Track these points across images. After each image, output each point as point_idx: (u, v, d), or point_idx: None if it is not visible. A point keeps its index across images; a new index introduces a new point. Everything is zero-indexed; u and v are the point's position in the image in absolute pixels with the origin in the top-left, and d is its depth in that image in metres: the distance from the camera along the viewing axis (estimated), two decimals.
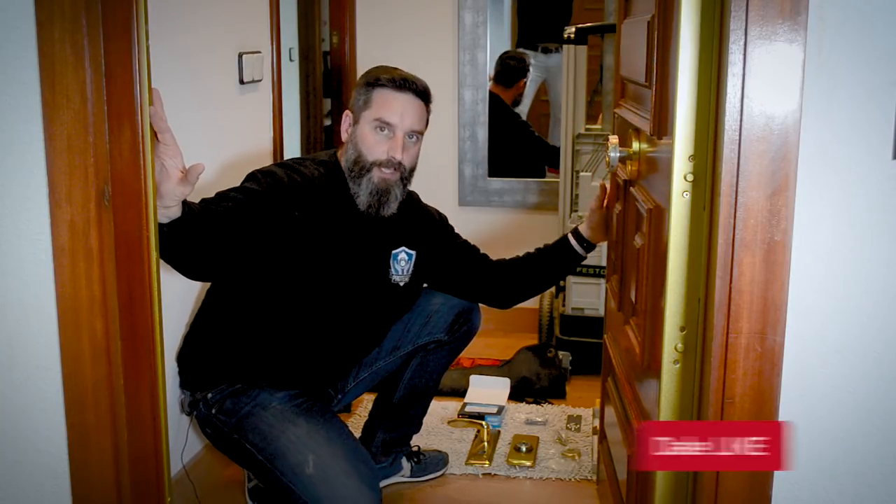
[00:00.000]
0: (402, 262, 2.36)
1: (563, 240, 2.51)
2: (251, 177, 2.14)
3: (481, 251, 2.54)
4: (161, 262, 1.60)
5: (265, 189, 2.08)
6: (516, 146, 4.35)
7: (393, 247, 2.34)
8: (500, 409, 3.07)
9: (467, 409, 3.07)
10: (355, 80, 4.07)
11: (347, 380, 2.48)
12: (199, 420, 2.26)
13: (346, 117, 2.27)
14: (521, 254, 2.55)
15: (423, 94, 2.23)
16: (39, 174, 1.50)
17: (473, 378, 3.28)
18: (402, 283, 2.37)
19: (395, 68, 2.26)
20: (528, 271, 2.50)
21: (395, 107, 2.18)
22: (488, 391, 3.21)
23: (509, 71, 4.48)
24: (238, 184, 2.13)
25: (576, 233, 2.48)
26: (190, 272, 1.98)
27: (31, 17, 1.46)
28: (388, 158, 2.18)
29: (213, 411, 2.20)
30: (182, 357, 2.33)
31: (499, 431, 2.99)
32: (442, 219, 2.50)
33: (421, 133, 2.24)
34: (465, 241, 2.52)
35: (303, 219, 2.13)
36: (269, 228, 2.07)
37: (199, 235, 1.86)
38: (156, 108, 1.55)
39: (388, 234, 2.32)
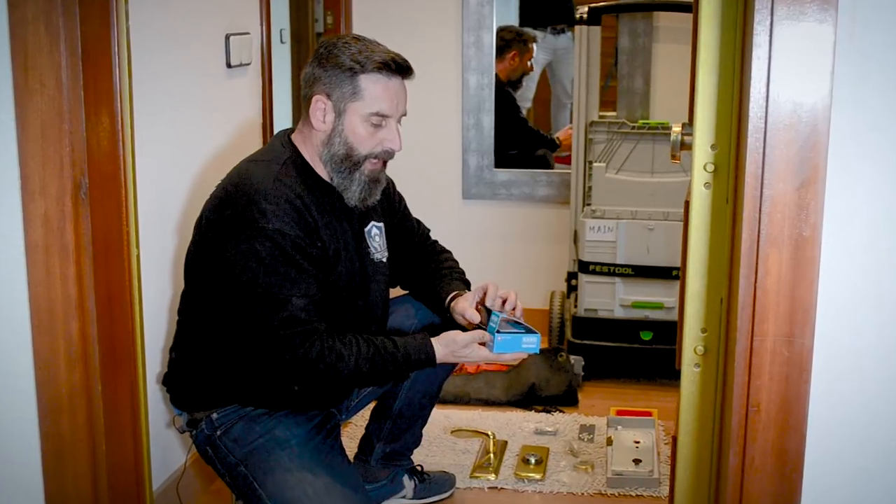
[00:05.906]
0: (377, 238, 2.33)
1: (448, 294, 2.43)
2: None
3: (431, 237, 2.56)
4: (140, 260, 1.60)
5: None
6: (512, 140, 4.30)
7: (363, 225, 2.29)
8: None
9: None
10: None
11: (350, 397, 2.46)
12: (198, 440, 2.21)
13: (321, 103, 2.12)
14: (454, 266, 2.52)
15: (409, 71, 2.16)
16: (11, 165, 1.50)
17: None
18: (384, 259, 2.35)
19: (368, 43, 2.14)
20: (422, 280, 2.50)
21: (390, 95, 2.13)
22: None
23: (498, 46, 4.43)
24: (231, 183, 2.08)
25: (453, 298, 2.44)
26: None
27: None
28: (386, 150, 2.16)
29: (219, 433, 2.16)
30: (173, 376, 2.25)
31: (506, 442, 2.98)
32: (390, 182, 2.45)
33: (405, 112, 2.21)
34: (406, 206, 2.54)
35: (324, 241, 2.14)
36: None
37: None
38: None
39: (359, 213, 2.28)
